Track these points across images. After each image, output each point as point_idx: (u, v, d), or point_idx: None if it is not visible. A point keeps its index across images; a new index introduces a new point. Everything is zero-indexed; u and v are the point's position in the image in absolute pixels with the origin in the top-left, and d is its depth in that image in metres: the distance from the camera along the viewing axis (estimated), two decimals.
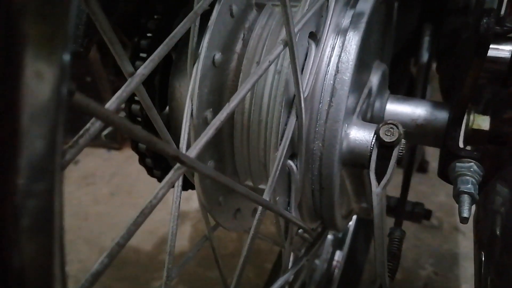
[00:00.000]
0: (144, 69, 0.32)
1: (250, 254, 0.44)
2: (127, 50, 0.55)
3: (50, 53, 0.15)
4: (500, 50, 0.53)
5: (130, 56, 0.53)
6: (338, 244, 1.07)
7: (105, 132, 0.59)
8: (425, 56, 0.91)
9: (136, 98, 0.52)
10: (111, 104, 0.28)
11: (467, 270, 1.21)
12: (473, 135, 0.55)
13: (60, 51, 0.15)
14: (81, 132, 0.25)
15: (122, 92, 0.30)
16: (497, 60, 0.52)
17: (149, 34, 0.53)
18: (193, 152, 0.32)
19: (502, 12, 0.56)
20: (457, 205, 0.49)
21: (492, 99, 0.66)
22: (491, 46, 0.50)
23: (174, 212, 0.42)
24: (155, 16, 0.54)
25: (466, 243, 1.29)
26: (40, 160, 0.15)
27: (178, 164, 0.29)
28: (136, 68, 0.32)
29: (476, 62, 0.50)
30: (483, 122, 0.55)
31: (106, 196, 1.55)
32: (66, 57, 0.16)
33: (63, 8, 0.15)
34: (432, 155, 1.52)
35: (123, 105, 0.55)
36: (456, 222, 1.36)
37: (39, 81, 0.14)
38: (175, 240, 0.42)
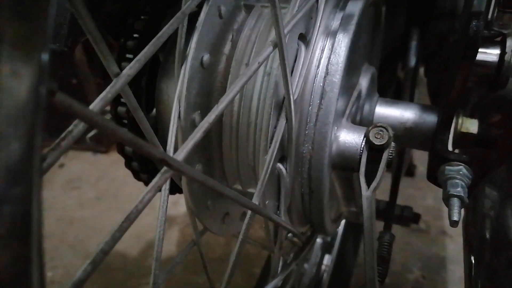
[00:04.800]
0: (130, 70, 0.31)
1: (239, 259, 0.44)
2: (113, 51, 0.54)
3: (28, 52, 0.14)
4: (488, 54, 0.53)
5: (117, 57, 0.52)
6: (327, 248, 1.07)
7: (90, 134, 0.57)
8: (412, 60, 0.92)
9: (122, 99, 0.51)
10: (95, 105, 0.28)
11: (454, 273, 1.21)
12: (462, 138, 0.55)
13: (38, 50, 0.14)
14: (63, 134, 0.24)
15: (107, 93, 0.29)
16: (484, 63, 0.53)
17: (136, 35, 0.52)
18: (180, 155, 0.31)
19: (490, 16, 0.57)
20: (444, 209, 0.49)
21: (479, 103, 0.66)
22: (479, 49, 0.50)
23: (161, 217, 0.41)
24: (142, 17, 0.53)
25: (453, 247, 1.30)
26: (16, 164, 0.14)
27: (165, 168, 0.28)
28: (122, 70, 0.31)
29: (464, 65, 0.50)
30: (471, 125, 0.56)
31: (91, 200, 1.52)
32: (45, 56, 0.15)
33: (41, 6, 0.14)
34: (420, 159, 1.53)
35: (108, 107, 0.54)
36: (444, 225, 1.37)
37: (16, 81, 0.14)
38: (162, 245, 0.41)
